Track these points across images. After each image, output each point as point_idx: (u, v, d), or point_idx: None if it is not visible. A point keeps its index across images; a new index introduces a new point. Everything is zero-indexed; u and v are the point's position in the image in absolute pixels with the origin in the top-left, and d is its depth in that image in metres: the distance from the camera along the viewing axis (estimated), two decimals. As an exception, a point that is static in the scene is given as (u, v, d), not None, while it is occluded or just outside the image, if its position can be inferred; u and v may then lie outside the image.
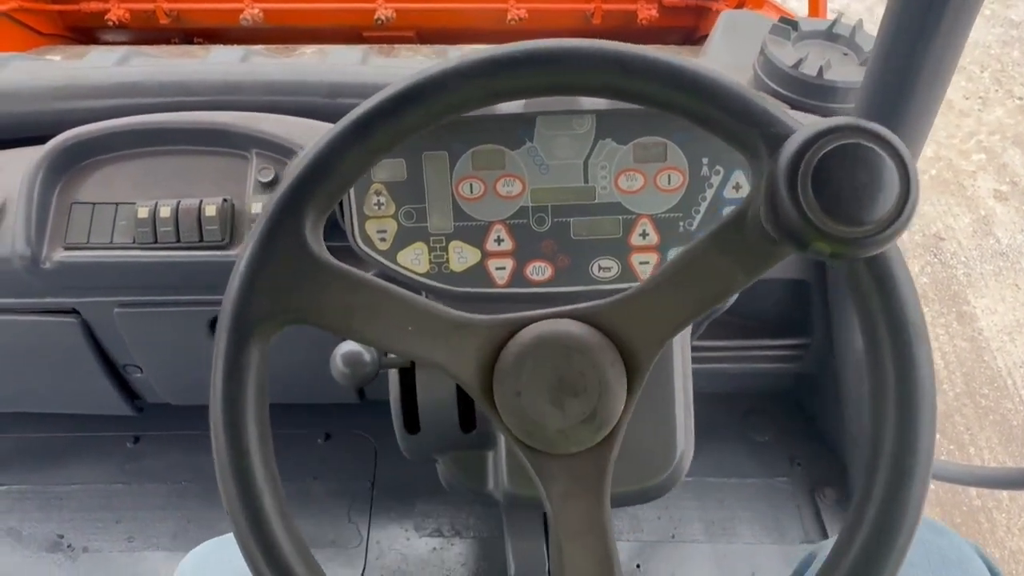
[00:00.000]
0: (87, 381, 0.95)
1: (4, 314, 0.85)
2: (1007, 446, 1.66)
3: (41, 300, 0.84)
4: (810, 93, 0.82)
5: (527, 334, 0.41)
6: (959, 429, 1.68)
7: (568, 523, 0.41)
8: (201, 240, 0.77)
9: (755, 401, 1.17)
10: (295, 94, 0.84)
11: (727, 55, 1.11)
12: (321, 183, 0.41)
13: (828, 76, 0.84)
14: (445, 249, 0.61)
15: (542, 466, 0.42)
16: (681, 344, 0.68)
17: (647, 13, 1.85)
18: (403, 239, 0.61)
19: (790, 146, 0.35)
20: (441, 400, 0.66)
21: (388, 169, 0.62)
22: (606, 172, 0.60)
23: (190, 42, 1.85)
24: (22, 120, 0.84)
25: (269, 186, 0.79)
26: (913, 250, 2.01)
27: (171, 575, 0.68)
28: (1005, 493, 1.47)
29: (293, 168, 0.42)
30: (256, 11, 1.75)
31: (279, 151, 0.79)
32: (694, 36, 1.90)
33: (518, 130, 0.60)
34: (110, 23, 1.74)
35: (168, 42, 1.82)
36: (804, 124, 0.37)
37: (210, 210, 0.77)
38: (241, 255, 0.42)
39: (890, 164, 0.34)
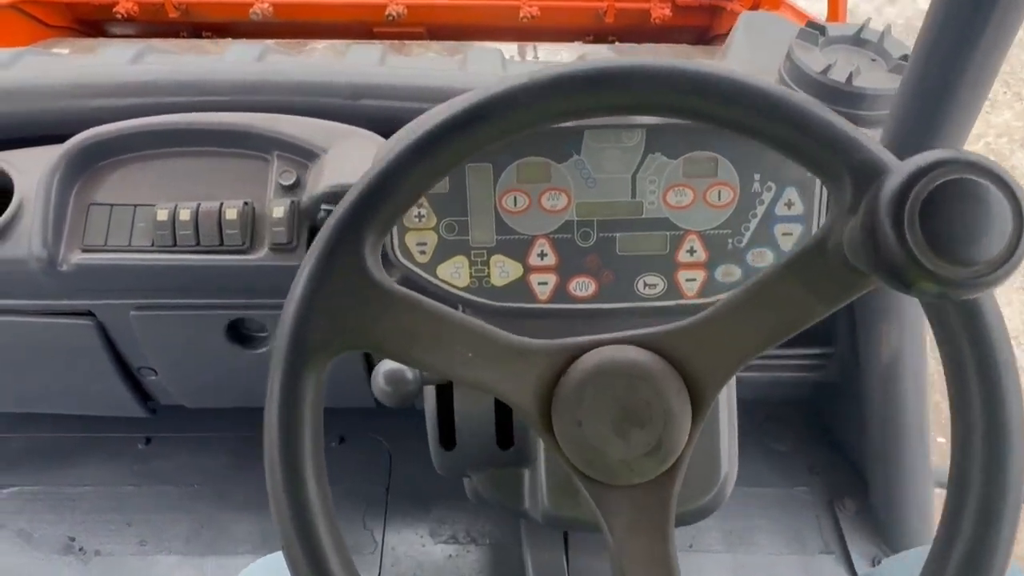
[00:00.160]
0: (101, 383, 0.94)
1: (19, 316, 0.84)
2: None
3: (56, 302, 0.83)
4: (839, 100, 0.80)
5: (588, 361, 0.40)
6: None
7: (632, 557, 0.40)
8: (221, 244, 0.76)
9: (772, 409, 1.16)
10: (316, 95, 0.82)
11: (749, 58, 1.09)
12: (382, 203, 0.40)
13: (857, 82, 0.82)
14: (486, 263, 0.60)
15: (603, 497, 0.41)
16: None
17: (660, 12, 1.83)
18: (443, 252, 0.60)
19: (894, 179, 0.34)
20: (479, 416, 0.65)
21: None
22: (655, 187, 0.58)
23: (199, 36, 1.83)
24: (38, 118, 0.82)
25: (290, 189, 0.78)
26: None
27: None
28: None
29: (354, 187, 0.40)
30: (266, 6, 1.73)
31: (300, 153, 0.78)
32: (707, 36, 1.89)
33: (565, 143, 0.58)
34: (118, 16, 1.73)
35: (176, 36, 1.80)
36: (890, 154, 0.36)
37: (231, 213, 0.76)
38: (298, 278, 0.40)
39: (1002, 200, 0.33)
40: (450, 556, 1.03)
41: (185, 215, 0.76)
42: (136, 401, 0.97)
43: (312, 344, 0.40)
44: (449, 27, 1.83)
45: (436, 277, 0.60)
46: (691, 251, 0.60)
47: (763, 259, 0.60)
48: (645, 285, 0.60)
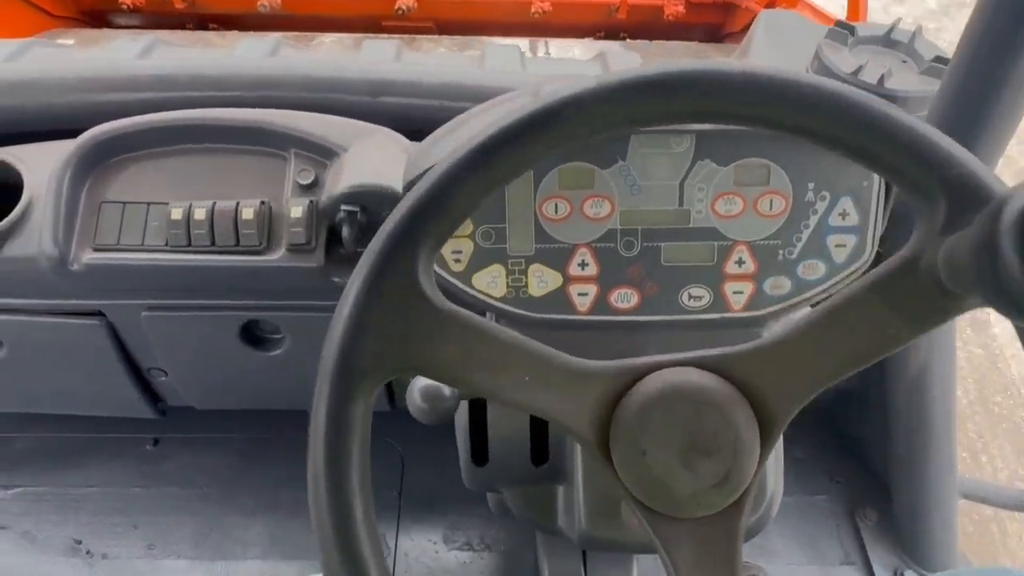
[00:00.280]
0: (110, 384, 0.92)
1: (27, 315, 0.82)
2: (1020, 455, 1.65)
3: (66, 302, 0.81)
4: (870, 103, 0.78)
5: (651, 384, 0.38)
6: (971, 436, 1.67)
7: None
8: (237, 244, 0.74)
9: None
10: (335, 91, 0.80)
11: (771, 58, 1.07)
12: (437, 216, 0.37)
13: (889, 85, 0.80)
14: (524, 272, 0.57)
15: (665, 530, 0.38)
16: None
17: (674, 9, 1.81)
18: (479, 261, 0.57)
19: (1016, 203, 0.32)
20: (513, 431, 0.62)
21: None
22: (703, 195, 0.56)
23: (204, 28, 1.80)
24: (48, 112, 0.80)
25: (308, 189, 0.76)
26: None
27: None
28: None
29: (406, 198, 0.38)
30: (275, -3, 1.71)
31: (319, 152, 0.76)
32: (719, 33, 1.87)
33: (610, 148, 0.55)
34: (124, 7, 1.70)
35: (182, 27, 1.77)
36: (991, 172, 0.34)
37: (247, 213, 0.74)
38: (345, 296, 0.38)
39: None
40: (464, 563, 1.01)
41: (200, 214, 0.74)
42: (145, 402, 0.95)
43: (362, 368, 0.37)
44: (459, 22, 1.81)
45: (471, 287, 0.57)
46: (739, 262, 0.57)
47: (814, 271, 0.58)
48: (690, 297, 0.58)
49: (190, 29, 1.78)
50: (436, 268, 0.59)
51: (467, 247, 0.58)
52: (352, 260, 0.78)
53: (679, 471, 0.37)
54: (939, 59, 0.85)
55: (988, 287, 0.33)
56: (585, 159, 0.56)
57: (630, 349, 0.58)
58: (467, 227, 0.58)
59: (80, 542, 1.03)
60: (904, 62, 0.90)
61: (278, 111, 0.77)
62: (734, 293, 0.58)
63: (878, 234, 0.56)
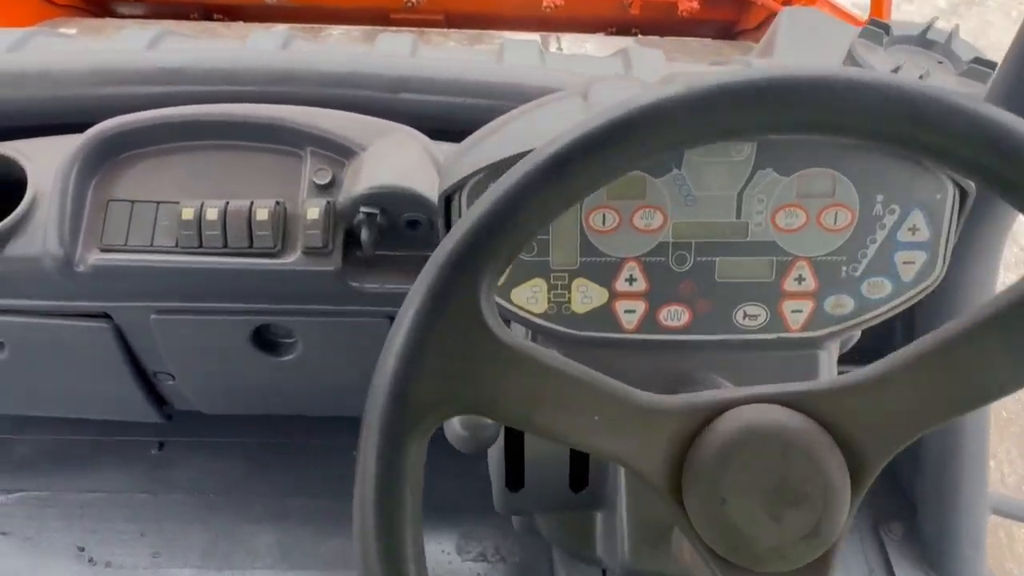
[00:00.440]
0: (115, 387, 0.89)
1: (30, 316, 0.79)
2: (1028, 460, 1.63)
3: (71, 303, 0.78)
4: (907, 106, 0.75)
5: (729, 423, 0.34)
6: (980, 440, 1.65)
7: None
8: (251, 246, 0.71)
9: None
10: (353, 87, 0.77)
11: (796, 56, 1.04)
12: (504, 234, 0.33)
13: (929, 86, 0.77)
14: (567, 287, 0.53)
15: None
16: None
17: (688, 4, 1.79)
18: (519, 274, 0.53)
19: None
20: (551, 456, 0.59)
21: None
22: (763, 207, 0.52)
23: (209, 18, 1.77)
24: (53, 106, 0.77)
25: (325, 189, 0.73)
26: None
27: None
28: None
29: (467, 214, 0.34)
30: (282, -11, 1.68)
31: (336, 150, 0.73)
32: (733, 30, 1.84)
33: (664, 155, 0.52)
34: (128, -5, 1.67)
35: (187, 18, 1.74)
36: None
37: (261, 213, 0.71)
38: (399, 324, 0.34)
39: None
40: (478, 574, 0.98)
41: (212, 214, 0.71)
42: (151, 406, 0.93)
43: (418, 407, 0.33)
44: (469, 15, 1.78)
45: (510, 302, 0.53)
46: (799, 279, 0.54)
47: (880, 290, 0.54)
48: (745, 316, 0.54)
49: (194, 19, 1.74)
50: None
51: None
52: (370, 264, 0.75)
53: (763, 522, 0.34)
54: (979, 60, 0.82)
55: None
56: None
57: (679, 370, 0.55)
58: None
59: (83, 549, 1.00)
60: (940, 63, 0.87)
61: (294, 107, 0.74)
62: (792, 312, 0.54)
63: (949, 251, 0.52)
